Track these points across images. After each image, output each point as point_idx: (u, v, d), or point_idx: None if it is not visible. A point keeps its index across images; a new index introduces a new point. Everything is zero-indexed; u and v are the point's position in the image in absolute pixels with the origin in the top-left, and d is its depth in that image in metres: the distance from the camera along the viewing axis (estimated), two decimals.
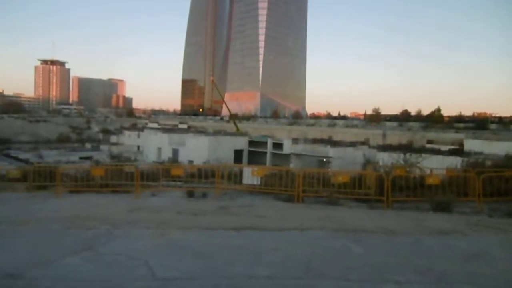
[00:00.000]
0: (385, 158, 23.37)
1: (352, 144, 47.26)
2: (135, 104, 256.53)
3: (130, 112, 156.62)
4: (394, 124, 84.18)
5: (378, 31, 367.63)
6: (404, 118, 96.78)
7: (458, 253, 6.73)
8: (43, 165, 14.09)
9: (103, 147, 69.35)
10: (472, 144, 41.10)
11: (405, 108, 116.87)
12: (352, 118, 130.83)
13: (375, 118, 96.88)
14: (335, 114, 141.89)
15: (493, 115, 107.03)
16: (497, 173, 11.44)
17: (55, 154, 56.43)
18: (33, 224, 8.49)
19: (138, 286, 5.18)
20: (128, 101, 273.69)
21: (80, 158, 49.55)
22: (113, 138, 77.91)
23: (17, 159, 52.16)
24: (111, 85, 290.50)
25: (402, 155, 17.18)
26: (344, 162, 37.89)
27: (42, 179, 12.76)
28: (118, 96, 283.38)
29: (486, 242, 7.41)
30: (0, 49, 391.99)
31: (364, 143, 50.76)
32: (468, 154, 29.58)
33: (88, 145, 75.12)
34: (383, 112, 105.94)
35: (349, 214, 9.71)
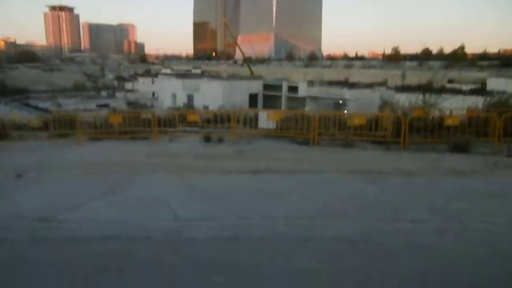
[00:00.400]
0: (403, 100, 22.85)
1: (369, 86, 46.11)
2: (147, 50, 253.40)
3: (143, 58, 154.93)
4: (414, 63, 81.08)
5: None
6: (424, 57, 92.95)
7: (473, 193, 6.77)
8: (63, 113, 14.35)
9: (119, 94, 69.93)
10: (495, 83, 39.55)
11: (426, 46, 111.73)
12: (370, 59, 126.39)
13: (394, 58, 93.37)
14: (352, 54, 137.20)
15: None
16: None
17: (72, 102, 57.36)
18: (58, 171, 8.84)
19: (161, 226, 5.46)
20: (140, 46, 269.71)
21: (97, 105, 50.29)
22: (128, 85, 78.16)
23: (36, 108, 53.33)
24: (122, 31, 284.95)
25: (421, 96, 16.72)
26: (360, 104, 37.28)
27: (63, 127, 13.07)
28: (129, 42, 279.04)
29: (502, 182, 7.40)
30: None
31: (382, 84, 49.44)
32: (490, 93, 28.59)
33: (103, 93, 75.83)
34: (403, 51, 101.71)
35: (365, 156, 9.74)
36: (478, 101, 16.56)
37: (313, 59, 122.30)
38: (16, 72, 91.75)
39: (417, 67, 71.75)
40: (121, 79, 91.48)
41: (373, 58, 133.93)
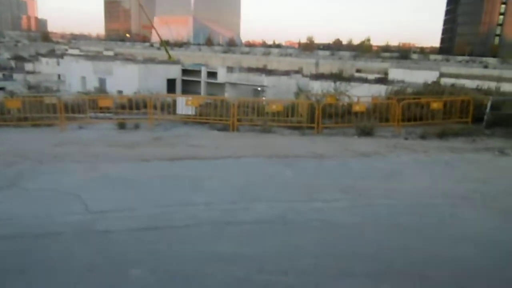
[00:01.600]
0: (317, 87, 24.11)
1: (286, 73, 47.71)
2: (51, 28, 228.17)
3: (45, 36, 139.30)
4: (327, 53, 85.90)
5: None
6: (336, 47, 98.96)
7: (377, 172, 7.48)
8: None
9: (17, 76, 62.19)
10: (396, 73, 43.82)
11: (337, 38, 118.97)
12: (287, 47, 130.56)
13: (309, 47, 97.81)
14: (270, 42, 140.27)
15: (416, 46, 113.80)
16: (415, 100, 12.47)
17: None
18: None
19: (71, 220, 5.07)
20: (41, 23, 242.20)
21: None
22: (28, 66, 69.90)
23: None
24: (19, 4, 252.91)
25: (332, 84, 17.82)
26: (278, 91, 38.45)
27: None
28: (29, 18, 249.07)
29: (400, 162, 8.29)
30: None
31: (298, 72, 51.46)
32: (391, 82, 31.58)
33: None
34: (317, 41, 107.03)
35: (282, 141, 10.12)
36: (381, 89, 18.17)
37: (232, 45, 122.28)
38: None
39: (330, 57, 76.10)
40: (19, 59, 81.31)
41: (290, 46, 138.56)
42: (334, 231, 4.97)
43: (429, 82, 21.94)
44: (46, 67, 62.93)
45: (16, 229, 4.82)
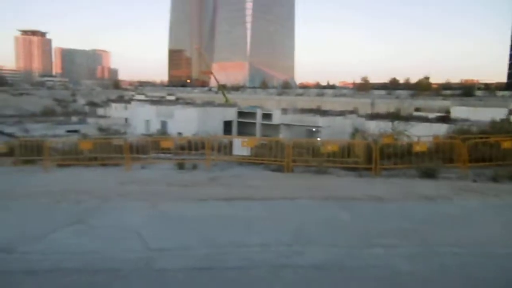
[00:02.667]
0: (373, 127, 23.55)
1: (341, 113, 47.40)
2: (121, 76, 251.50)
3: (116, 84, 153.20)
4: (383, 92, 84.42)
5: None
6: (392, 86, 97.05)
7: (442, 217, 6.95)
8: (30, 139, 13.84)
9: (90, 120, 68.31)
10: (458, 111, 41.61)
11: (393, 76, 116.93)
12: (341, 87, 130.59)
13: (364, 87, 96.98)
14: (324, 83, 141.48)
15: (480, 81, 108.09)
16: (482, 139, 11.66)
17: (41, 127, 55.42)
18: (23, 198, 8.44)
19: (131, 257, 5.25)
20: (113, 72, 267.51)
21: (67, 131, 48.80)
22: (100, 111, 76.67)
23: (2, 133, 51.19)
24: (96, 57, 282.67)
25: (390, 123, 17.34)
26: (333, 131, 38.13)
27: (29, 153, 12.57)
28: (103, 68, 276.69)
29: (469, 206, 7.65)
30: None
31: (352, 112, 50.93)
32: (454, 121, 29.98)
33: (74, 118, 73.87)
34: (372, 80, 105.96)
35: (338, 183, 9.87)
36: (444, 128, 17.31)
37: (287, 87, 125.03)
38: None
39: (386, 96, 74.62)
40: (93, 104, 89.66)
41: (344, 87, 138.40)
42: (395, 280, 4.62)
43: (497, 119, 20.51)
44: (115, 111, 68.55)
45: (79, 263, 5.08)
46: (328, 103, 67.60)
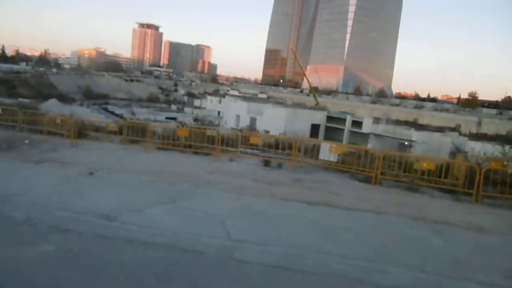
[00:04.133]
0: (478, 148, 21.23)
1: (440, 130, 43.65)
2: (219, 71, 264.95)
3: (214, 78, 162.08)
4: (493, 111, 75.46)
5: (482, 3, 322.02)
6: (505, 105, 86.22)
7: None
8: (136, 121, 15.36)
9: (187, 109, 73.61)
10: None
11: (508, 95, 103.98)
12: (443, 101, 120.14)
13: (470, 103, 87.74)
14: (424, 95, 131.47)
15: None
16: None
17: (145, 112, 61.45)
18: (126, 173, 9.42)
19: (213, 243, 5.52)
20: (212, 67, 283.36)
21: (166, 118, 53.25)
22: (197, 102, 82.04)
23: (113, 113, 57.89)
24: (199, 51, 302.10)
25: (499, 147, 15.44)
26: (428, 148, 35.32)
27: (135, 134, 13.98)
28: (204, 62, 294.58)
29: None
30: (103, 11, 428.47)
31: (454, 129, 46.57)
32: None
33: (174, 107, 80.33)
34: (481, 97, 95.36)
35: (431, 203, 9.12)
36: None
37: (382, 96, 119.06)
38: (101, 79, 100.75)
39: (496, 116, 66.70)
40: (191, 95, 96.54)
41: (447, 101, 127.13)
42: None
43: None
44: (210, 104, 72.70)
45: (170, 240, 5.50)
46: (427, 117, 62.79)
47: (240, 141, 13.22)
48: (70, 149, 12.39)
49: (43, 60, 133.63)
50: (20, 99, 34.47)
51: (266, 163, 12.06)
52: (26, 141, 12.63)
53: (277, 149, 13.08)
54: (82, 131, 14.34)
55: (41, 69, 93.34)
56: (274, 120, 43.65)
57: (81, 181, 8.41)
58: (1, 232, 5.41)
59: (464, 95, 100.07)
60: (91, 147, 13.00)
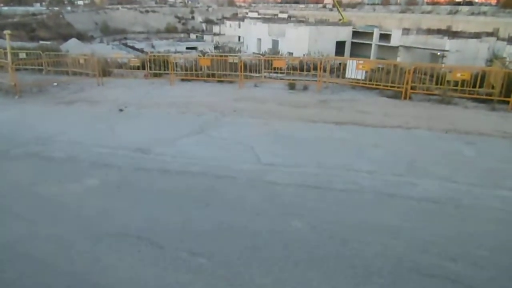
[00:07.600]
0: None
1: (476, 36, 40.62)
2: None
3: (231, 1, 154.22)
4: None
5: None
6: None
7: None
8: (157, 55, 15.19)
9: (207, 37, 71.64)
10: None
11: None
12: (481, 3, 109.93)
13: (511, 3, 79.79)
14: None
15: None
16: None
17: (164, 44, 60.45)
18: (154, 107, 9.59)
19: (244, 168, 5.72)
20: None
21: (187, 48, 52.33)
22: (216, 28, 79.33)
23: (133, 48, 57.33)
24: None
25: None
26: (462, 56, 33.34)
27: (157, 68, 13.93)
28: None
29: None
30: None
31: (492, 34, 43.15)
32: None
33: (193, 35, 78.34)
34: None
35: (464, 115, 8.85)
36: None
37: (412, 3, 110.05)
38: (117, 13, 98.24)
39: None
40: (209, 22, 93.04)
41: (486, 3, 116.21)
42: None
43: None
44: (229, 29, 70.13)
45: (203, 168, 5.74)
46: (462, 22, 58.13)
47: (263, 66, 12.92)
48: (97, 88, 12.61)
49: None
50: (41, 42, 34.57)
51: (292, 86, 11.87)
52: (55, 84, 12.92)
53: (301, 71, 12.74)
54: (106, 69, 14.41)
55: (56, 8, 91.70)
56: (297, 41, 41.97)
57: (112, 118, 8.68)
58: (47, 171, 5.81)
59: None
60: (117, 84, 13.15)
